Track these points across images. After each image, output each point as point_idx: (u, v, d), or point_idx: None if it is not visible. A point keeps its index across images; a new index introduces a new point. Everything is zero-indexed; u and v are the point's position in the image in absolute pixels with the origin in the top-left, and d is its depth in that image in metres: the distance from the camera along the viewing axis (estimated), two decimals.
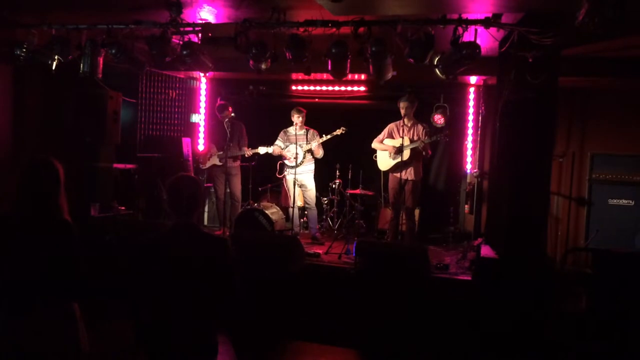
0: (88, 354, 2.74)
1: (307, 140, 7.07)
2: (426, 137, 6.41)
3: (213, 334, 2.62)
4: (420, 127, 6.53)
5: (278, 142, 7.24)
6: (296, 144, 6.94)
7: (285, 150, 7.15)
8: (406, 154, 6.35)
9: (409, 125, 6.49)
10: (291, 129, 7.18)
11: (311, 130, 7.18)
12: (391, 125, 6.75)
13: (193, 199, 2.62)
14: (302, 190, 7.23)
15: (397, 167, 6.48)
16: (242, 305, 2.63)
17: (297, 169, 6.95)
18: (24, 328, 2.52)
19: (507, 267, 4.84)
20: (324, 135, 7.03)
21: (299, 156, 6.96)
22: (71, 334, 2.64)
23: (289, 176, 7.16)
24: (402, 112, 6.42)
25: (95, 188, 6.64)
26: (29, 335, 2.52)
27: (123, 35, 5.44)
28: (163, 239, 2.62)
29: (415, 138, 6.45)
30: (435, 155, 7.92)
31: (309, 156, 7.15)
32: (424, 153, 6.46)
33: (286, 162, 7.19)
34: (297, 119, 7.03)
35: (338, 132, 6.96)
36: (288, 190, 7.28)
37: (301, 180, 7.08)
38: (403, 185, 6.51)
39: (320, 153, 7.12)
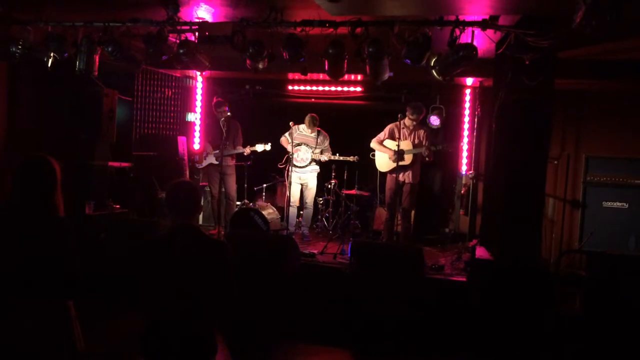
0: (84, 354, 2.72)
1: (317, 143, 7.19)
2: (428, 144, 6.45)
3: (211, 333, 2.61)
4: (422, 131, 6.57)
5: (287, 135, 7.23)
6: (307, 145, 7.15)
7: (295, 148, 7.17)
8: (408, 158, 6.39)
9: (411, 128, 6.49)
10: (303, 129, 7.25)
11: (323, 133, 7.25)
12: (392, 126, 6.71)
13: (191, 202, 2.64)
14: (303, 189, 7.27)
15: (397, 169, 6.48)
16: (238, 307, 2.63)
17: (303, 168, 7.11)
18: (18, 327, 2.51)
19: (502, 269, 4.85)
20: (337, 154, 7.23)
21: (306, 160, 7.13)
22: (66, 334, 2.63)
23: (294, 174, 7.18)
24: (411, 122, 6.46)
25: (91, 186, 6.63)
26: (23, 334, 2.50)
27: (119, 33, 5.42)
28: (163, 239, 2.63)
29: (417, 142, 6.49)
30: None
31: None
32: (427, 159, 6.49)
33: (295, 162, 7.21)
34: (309, 125, 7.15)
35: (351, 159, 7.19)
36: (290, 186, 7.26)
37: (305, 179, 7.19)
38: (401, 187, 6.51)
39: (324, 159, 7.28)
